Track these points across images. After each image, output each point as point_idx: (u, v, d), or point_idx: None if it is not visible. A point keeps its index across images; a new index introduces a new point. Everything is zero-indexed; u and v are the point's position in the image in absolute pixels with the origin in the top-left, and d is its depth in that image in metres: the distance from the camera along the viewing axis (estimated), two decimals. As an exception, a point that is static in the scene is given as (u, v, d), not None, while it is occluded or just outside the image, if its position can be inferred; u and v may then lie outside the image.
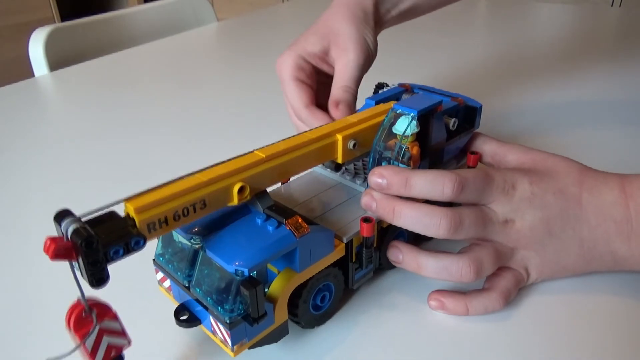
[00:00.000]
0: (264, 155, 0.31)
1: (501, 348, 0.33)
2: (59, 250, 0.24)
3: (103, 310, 0.27)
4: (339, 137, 0.35)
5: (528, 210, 0.36)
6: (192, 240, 0.31)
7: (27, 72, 0.91)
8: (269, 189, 0.35)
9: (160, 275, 0.34)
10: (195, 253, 0.31)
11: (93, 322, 0.26)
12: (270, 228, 0.30)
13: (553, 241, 0.36)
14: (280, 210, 0.31)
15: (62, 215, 0.25)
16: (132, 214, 0.26)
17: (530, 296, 0.37)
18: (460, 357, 0.33)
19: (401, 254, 0.37)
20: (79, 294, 0.26)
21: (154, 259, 0.34)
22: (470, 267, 0.34)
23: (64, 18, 2.17)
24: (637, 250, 0.35)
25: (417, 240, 0.40)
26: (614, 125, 0.64)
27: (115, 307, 0.36)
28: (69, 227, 0.24)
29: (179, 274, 0.32)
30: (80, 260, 0.24)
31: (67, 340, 0.35)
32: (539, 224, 0.36)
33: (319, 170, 0.42)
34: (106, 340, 0.27)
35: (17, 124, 0.72)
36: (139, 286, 0.38)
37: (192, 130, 0.67)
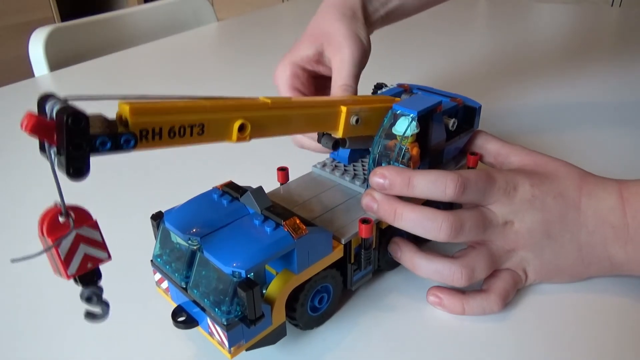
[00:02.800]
0: (269, 102, 0.30)
1: (500, 349, 0.33)
2: (38, 125, 0.21)
3: (82, 216, 0.24)
4: (344, 108, 0.35)
5: (528, 212, 0.36)
6: (189, 241, 0.31)
7: (27, 72, 0.91)
8: (267, 190, 0.35)
9: (158, 276, 0.34)
10: (193, 254, 0.31)
11: (70, 226, 0.23)
12: (268, 229, 0.30)
13: (551, 244, 0.36)
14: (278, 212, 0.31)
15: (45, 98, 0.22)
16: (126, 114, 0.24)
17: (529, 296, 0.37)
18: (460, 357, 0.33)
19: (400, 251, 0.37)
20: (57, 198, 0.23)
21: (151, 260, 0.34)
22: (462, 273, 0.35)
23: (64, 18, 2.17)
24: (634, 255, 0.35)
25: (417, 238, 0.40)
26: (614, 124, 0.64)
27: (113, 308, 0.36)
28: (55, 106, 0.22)
29: (176, 275, 0.32)
30: (62, 143, 0.21)
31: (67, 340, 0.35)
32: (537, 226, 0.36)
33: (318, 170, 0.42)
34: (83, 249, 0.24)
35: (17, 124, 0.71)
36: (136, 287, 0.38)
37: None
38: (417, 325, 0.35)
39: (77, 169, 0.22)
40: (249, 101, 0.29)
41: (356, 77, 0.44)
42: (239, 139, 0.29)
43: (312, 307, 0.34)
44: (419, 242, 0.38)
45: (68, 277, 0.24)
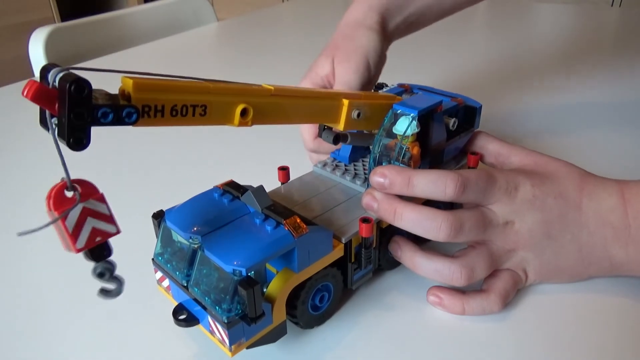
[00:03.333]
0: (272, 89, 0.30)
1: (500, 349, 0.33)
2: (40, 92, 0.21)
3: (89, 190, 0.24)
4: (346, 101, 0.35)
5: (528, 212, 0.36)
6: (190, 240, 0.31)
7: (27, 72, 0.91)
8: (268, 189, 0.35)
9: (159, 274, 0.34)
10: (194, 252, 0.31)
11: (76, 199, 0.23)
12: (268, 228, 0.30)
13: (551, 244, 0.36)
14: (279, 210, 0.31)
15: (48, 68, 0.22)
16: (129, 89, 0.23)
17: (529, 296, 0.37)
18: (460, 357, 0.33)
19: (400, 251, 0.37)
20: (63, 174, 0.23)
21: (153, 259, 0.34)
22: (461, 273, 0.35)
23: (64, 18, 2.17)
24: (634, 255, 0.35)
25: (418, 237, 0.40)
26: (614, 125, 0.64)
27: (114, 306, 0.36)
28: (58, 75, 0.21)
29: (177, 273, 0.32)
30: (63, 112, 0.21)
31: (68, 338, 0.35)
32: (538, 226, 0.36)
33: (319, 170, 0.42)
34: (91, 222, 0.24)
35: (17, 124, 0.72)
36: (137, 285, 0.38)
37: (193, 129, 0.67)
38: (417, 324, 0.35)
39: (78, 139, 0.22)
40: (252, 87, 0.30)
41: (354, 85, 0.44)
42: (241, 124, 0.29)
43: (312, 306, 0.34)
44: (420, 241, 0.38)
45: (77, 250, 0.24)
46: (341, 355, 0.33)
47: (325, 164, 0.42)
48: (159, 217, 0.33)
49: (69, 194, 0.24)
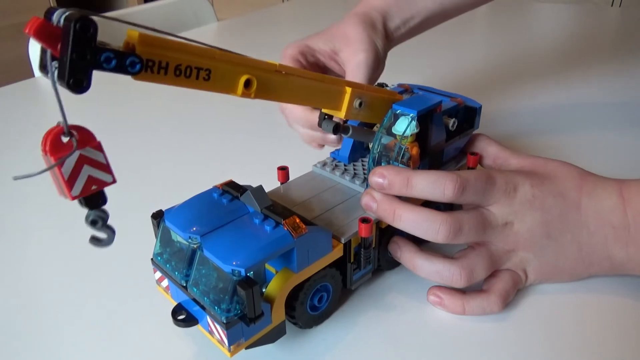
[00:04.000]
0: (277, 64, 0.31)
1: (500, 348, 0.33)
2: (43, 29, 0.20)
3: (86, 137, 0.24)
4: (348, 89, 0.35)
5: (528, 213, 0.36)
6: (190, 240, 0.31)
7: (27, 72, 0.91)
8: (267, 189, 0.35)
9: (158, 274, 0.34)
10: (193, 252, 0.31)
11: (73, 146, 0.23)
12: (267, 228, 0.30)
13: (551, 244, 0.36)
14: (278, 211, 0.31)
15: (53, 9, 0.21)
16: (134, 41, 0.23)
17: (530, 296, 0.37)
18: (460, 357, 0.33)
19: (400, 251, 0.37)
20: (60, 118, 0.23)
21: (152, 259, 0.34)
22: (461, 275, 0.35)
23: (64, 18, 2.17)
24: (635, 255, 0.35)
25: (417, 237, 0.40)
26: (614, 125, 0.64)
27: (114, 306, 0.36)
28: (65, 14, 0.21)
29: (176, 273, 0.32)
30: (65, 51, 0.21)
31: (67, 337, 0.35)
32: (537, 226, 0.36)
33: (318, 170, 0.42)
34: (87, 170, 0.24)
35: (17, 124, 0.72)
36: (137, 286, 0.38)
37: (192, 130, 0.67)
38: (417, 324, 0.35)
39: (78, 81, 0.22)
40: (258, 60, 0.30)
41: (369, 81, 0.44)
42: (244, 94, 0.29)
43: (311, 306, 0.34)
44: (419, 242, 0.38)
45: (72, 198, 0.24)
46: (340, 355, 0.33)
47: (324, 164, 0.42)
48: (158, 217, 0.33)
49: (65, 139, 0.24)
